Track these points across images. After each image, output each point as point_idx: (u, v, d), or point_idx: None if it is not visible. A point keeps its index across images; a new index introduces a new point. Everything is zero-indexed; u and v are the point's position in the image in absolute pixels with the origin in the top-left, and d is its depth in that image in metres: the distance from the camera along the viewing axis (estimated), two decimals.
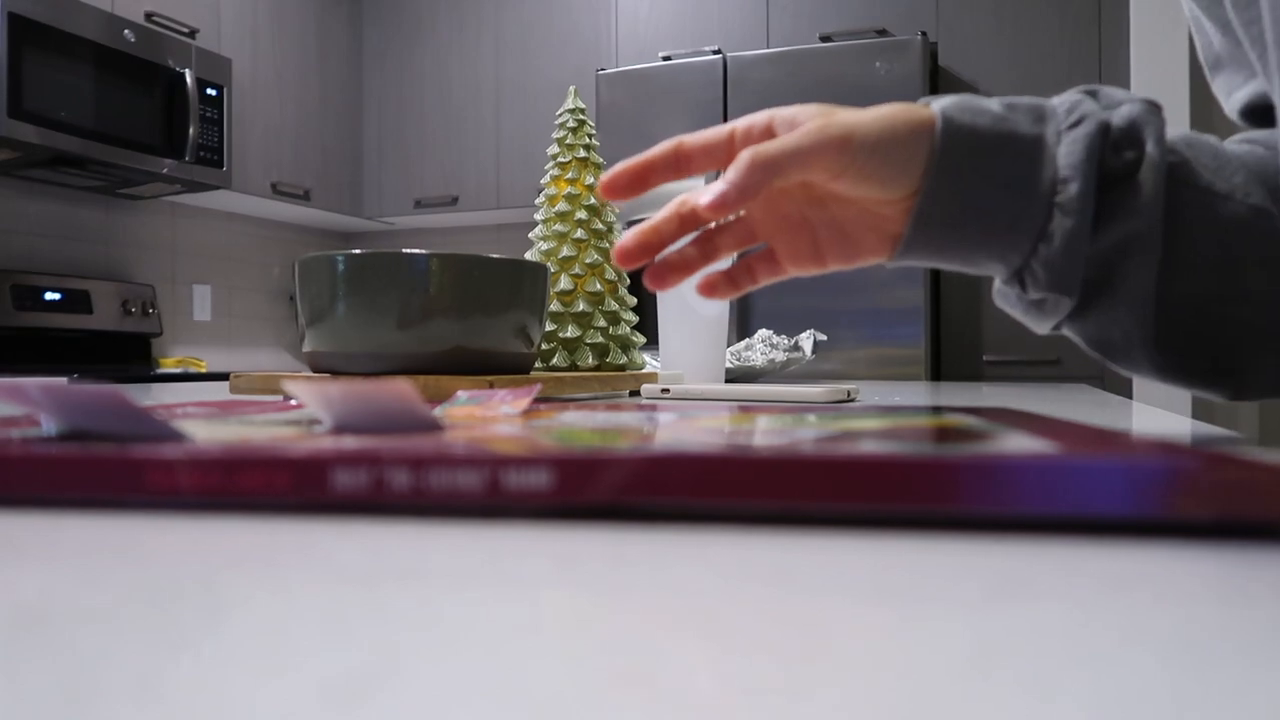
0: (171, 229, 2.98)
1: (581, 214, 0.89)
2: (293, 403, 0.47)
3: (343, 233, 3.72)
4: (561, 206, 0.89)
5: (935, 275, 2.54)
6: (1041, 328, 0.42)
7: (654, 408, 0.45)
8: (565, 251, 0.88)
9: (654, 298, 2.46)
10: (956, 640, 0.12)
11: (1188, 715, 0.09)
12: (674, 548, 0.18)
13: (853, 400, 0.73)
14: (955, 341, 2.59)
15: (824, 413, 0.39)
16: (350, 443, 0.24)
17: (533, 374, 0.75)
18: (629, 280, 0.93)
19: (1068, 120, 0.37)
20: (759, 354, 1.12)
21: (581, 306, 0.87)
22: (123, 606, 0.14)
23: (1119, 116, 0.37)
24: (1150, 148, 0.37)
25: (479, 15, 3.22)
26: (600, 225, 0.90)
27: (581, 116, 0.92)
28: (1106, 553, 0.18)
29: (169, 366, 2.75)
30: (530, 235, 0.92)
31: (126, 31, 2.42)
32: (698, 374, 0.89)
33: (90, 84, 2.33)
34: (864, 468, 0.20)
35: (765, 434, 0.27)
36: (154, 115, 2.49)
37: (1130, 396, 2.37)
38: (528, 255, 0.89)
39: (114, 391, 0.24)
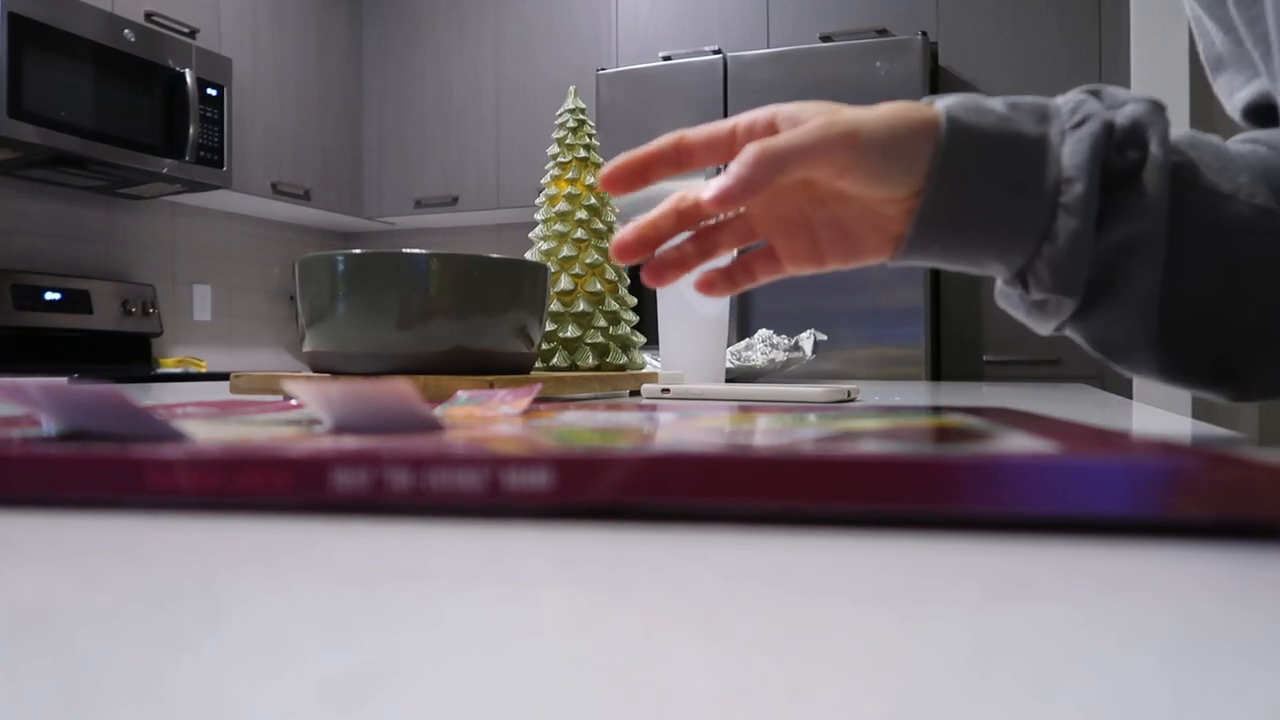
0: (171, 229, 2.98)
1: (582, 214, 0.89)
2: (293, 403, 0.47)
3: (343, 233, 3.72)
4: (562, 206, 0.89)
5: (935, 275, 2.54)
6: (1044, 328, 0.41)
7: (654, 408, 0.45)
8: (565, 251, 0.88)
9: (654, 298, 2.46)
10: (956, 640, 0.12)
11: (1188, 715, 0.09)
12: (674, 548, 0.18)
13: (853, 400, 0.73)
14: (955, 341, 2.59)
15: (824, 413, 0.39)
16: (350, 443, 0.24)
17: (533, 374, 0.75)
18: (629, 280, 0.93)
19: (1071, 120, 0.37)
20: (759, 354, 1.12)
21: (582, 306, 0.87)
22: (123, 606, 0.14)
23: (1123, 116, 0.37)
24: (1154, 148, 0.37)
25: (479, 15, 3.22)
26: (600, 225, 0.90)
27: (581, 116, 0.92)
28: (1106, 553, 0.18)
29: (169, 366, 2.75)
30: (530, 235, 0.92)
31: (126, 31, 2.42)
32: (698, 374, 0.89)
33: (90, 84, 2.33)
34: (864, 468, 0.20)
35: (765, 434, 0.27)
36: (154, 115, 2.50)
37: (1130, 396, 2.37)
38: (528, 255, 0.89)
39: (114, 391, 0.24)
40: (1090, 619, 0.13)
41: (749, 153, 0.36)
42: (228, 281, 3.19)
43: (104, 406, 0.25)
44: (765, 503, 0.20)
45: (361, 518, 0.21)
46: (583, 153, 0.91)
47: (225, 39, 2.84)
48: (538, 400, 0.57)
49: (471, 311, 0.64)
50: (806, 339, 1.14)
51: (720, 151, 0.41)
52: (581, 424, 0.32)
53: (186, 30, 2.70)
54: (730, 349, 1.13)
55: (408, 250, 0.63)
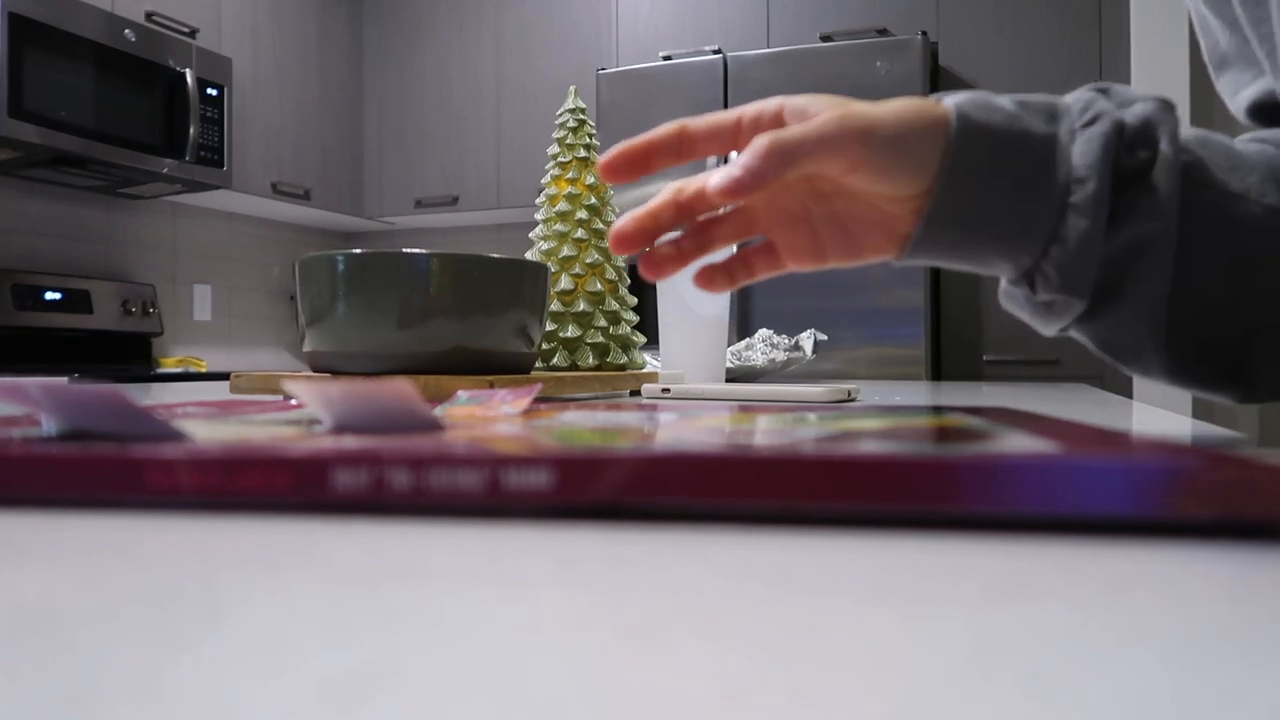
0: (172, 229, 2.98)
1: (582, 214, 0.89)
2: (293, 402, 0.47)
3: (343, 233, 3.72)
4: (562, 206, 0.89)
5: (935, 275, 2.54)
6: (1049, 329, 0.41)
7: (654, 407, 0.45)
8: (566, 251, 0.88)
9: (654, 298, 2.46)
10: (956, 640, 0.12)
11: (1188, 715, 0.09)
12: (674, 548, 0.18)
13: (853, 400, 0.73)
14: (955, 341, 2.59)
15: (824, 412, 0.39)
16: (350, 443, 0.24)
17: (533, 374, 0.75)
18: (630, 280, 0.93)
19: (1081, 119, 0.37)
20: (759, 354, 1.12)
21: (582, 306, 0.87)
22: (123, 606, 0.14)
23: (1133, 115, 0.37)
24: (1164, 147, 0.36)
25: (479, 15, 3.22)
26: (601, 225, 0.90)
27: (582, 116, 0.92)
28: (1106, 553, 0.18)
29: (169, 366, 2.75)
30: (531, 235, 0.92)
31: (127, 31, 2.43)
32: (698, 374, 0.89)
33: (91, 84, 2.33)
34: (864, 468, 0.20)
35: (765, 434, 0.27)
36: (154, 115, 2.50)
37: (1130, 396, 2.37)
38: (528, 255, 0.89)
39: (114, 391, 0.24)
40: (1090, 619, 0.13)
41: (759, 144, 0.35)
42: (228, 281, 3.19)
43: (104, 406, 0.25)
44: (765, 503, 0.20)
45: (361, 518, 0.21)
46: (583, 153, 0.91)
47: (225, 39, 2.84)
48: (538, 400, 0.57)
49: (472, 311, 0.64)
50: (806, 339, 1.14)
51: (724, 142, 0.40)
52: (582, 424, 0.32)
53: (187, 30, 2.70)
54: (730, 349, 1.13)
55: (408, 250, 0.63)
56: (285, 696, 0.10)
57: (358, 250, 0.63)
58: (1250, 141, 0.41)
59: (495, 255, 0.65)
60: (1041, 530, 0.20)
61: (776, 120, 0.39)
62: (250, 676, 0.11)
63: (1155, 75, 2.26)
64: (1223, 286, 0.37)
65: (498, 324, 0.65)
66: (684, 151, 0.40)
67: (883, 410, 0.40)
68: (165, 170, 2.52)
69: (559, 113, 0.92)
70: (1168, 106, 0.37)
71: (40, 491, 0.22)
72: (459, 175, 3.25)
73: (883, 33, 2.61)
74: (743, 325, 2.51)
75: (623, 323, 0.90)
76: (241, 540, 0.19)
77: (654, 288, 2.43)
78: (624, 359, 0.89)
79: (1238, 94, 0.48)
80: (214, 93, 2.66)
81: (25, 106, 2.17)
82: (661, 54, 2.82)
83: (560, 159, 0.91)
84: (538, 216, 0.91)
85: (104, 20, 2.37)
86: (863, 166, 0.36)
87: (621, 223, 0.39)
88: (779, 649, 0.12)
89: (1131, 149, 0.36)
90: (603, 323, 0.87)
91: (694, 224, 0.42)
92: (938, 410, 0.39)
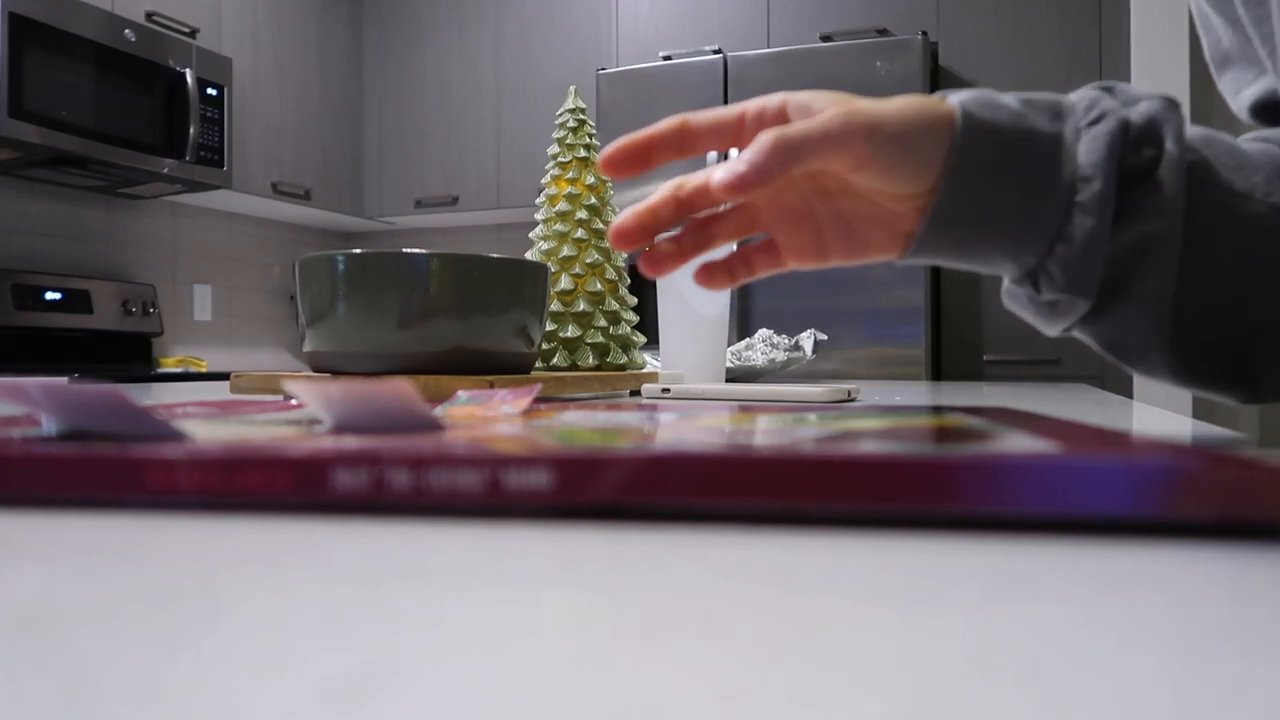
0: (172, 229, 2.98)
1: (582, 214, 0.89)
2: (293, 402, 0.47)
3: (343, 233, 3.72)
4: (562, 206, 0.89)
5: (935, 275, 2.54)
6: (1052, 329, 0.40)
7: (654, 407, 0.45)
8: (566, 251, 0.88)
9: (654, 298, 2.46)
10: (956, 640, 0.12)
11: (1188, 715, 0.09)
12: (674, 548, 0.18)
13: (853, 400, 0.73)
14: (955, 341, 2.59)
15: (824, 412, 0.39)
16: (350, 443, 0.24)
17: (533, 374, 0.75)
18: (630, 280, 0.93)
19: (1087, 117, 0.36)
20: (759, 354, 1.12)
21: (582, 306, 0.87)
22: (123, 606, 0.14)
23: (1138, 113, 0.36)
24: (1170, 145, 0.36)
25: (479, 15, 3.22)
26: (601, 225, 0.90)
27: (582, 116, 0.92)
28: (1106, 553, 0.18)
29: (169, 366, 2.75)
30: (531, 235, 0.92)
31: (127, 31, 2.43)
32: (698, 374, 0.89)
33: (91, 84, 2.33)
34: (864, 468, 0.20)
35: (765, 434, 0.27)
36: (154, 115, 2.50)
37: (1130, 396, 2.37)
38: (528, 255, 0.89)
39: (114, 391, 0.24)
40: (1090, 619, 0.13)
41: (765, 140, 0.35)
42: (228, 281, 3.19)
43: (104, 406, 0.25)
44: (765, 503, 0.20)
45: (361, 518, 0.21)
46: (583, 153, 0.91)
47: (225, 39, 2.84)
48: (538, 400, 0.57)
49: (472, 311, 0.64)
50: (807, 339, 1.14)
51: (727, 137, 0.39)
52: (582, 424, 0.32)
53: (187, 30, 2.70)
54: (730, 349, 1.13)
55: (408, 250, 0.63)
56: (285, 696, 0.10)
57: (358, 250, 0.63)
58: (1254, 141, 0.41)
59: (495, 255, 0.65)
60: (1041, 530, 0.20)
61: (780, 116, 0.39)
62: (250, 676, 0.11)
63: (1155, 75, 2.26)
64: (1227, 286, 0.37)
65: (498, 324, 0.65)
66: (686, 146, 0.39)
67: (883, 410, 0.40)
68: (165, 170, 2.52)
69: (559, 113, 0.92)
70: (1173, 105, 0.37)
71: (40, 491, 0.22)
72: (459, 175, 3.25)
73: (883, 33, 2.61)
74: (743, 325, 2.51)
75: (623, 323, 0.90)
76: (241, 540, 0.19)
77: (654, 288, 2.43)
78: (624, 359, 0.89)
79: (1240, 93, 0.48)
80: (214, 93, 2.66)
81: (25, 106, 2.17)
82: (661, 54, 2.82)
83: (560, 159, 0.91)
84: (538, 216, 0.91)
85: (104, 20, 2.37)
86: (867, 164, 0.36)
87: (622, 218, 0.39)
88: (779, 649, 0.12)
89: (1137, 147, 0.36)
90: (603, 323, 0.87)
91: (694, 221, 0.42)
92: (938, 410, 0.39)
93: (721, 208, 0.42)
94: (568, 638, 0.12)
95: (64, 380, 0.42)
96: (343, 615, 0.13)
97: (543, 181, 0.91)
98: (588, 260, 0.88)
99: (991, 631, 0.13)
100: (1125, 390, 2.43)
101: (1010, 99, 0.37)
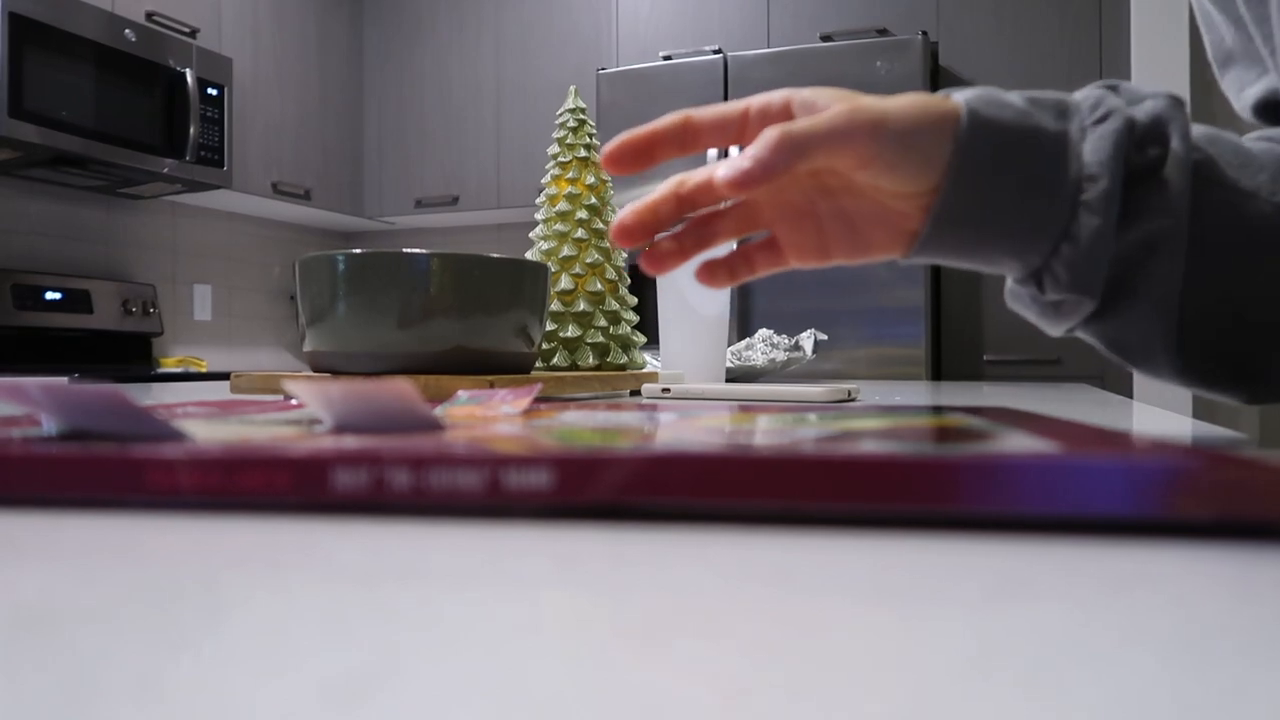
0: (172, 229, 2.98)
1: (582, 214, 0.89)
2: (293, 402, 0.47)
3: (343, 232, 3.72)
4: (562, 206, 0.89)
5: (936, 274, 2.54)
6: (1056, 330, 0.40)
7: (654, 407, 0.45)
8: (566, 251, 0.88)
9: (655, 297, 2.46)
10: (956, 640, 0.12)
11: (1188, 715, 0.09)
12: (674, 548, 0.18)
13: (853, 400, 0.73)
14: (955, 341, 2.59)
15: (824, 412, 0.39)
16: (350, 442, 0.24)
17: (533, 374, 0.75)
18: (630, 280, 0.93)
19: (1092, 116, 0.36)
20: (759, 353, 1.12)
21: (582, 306, 0.87)
22: (123, 606, 0.14)
23: (1143, 112, 0.36)
24: (1175, 144, 0.36)
25: (479, 15, 3.22)
26: (601, 225, 0.90)
27: (582, 116, 0.92)
28: (1106, 553, 0.18)
29: (169, 366, 2.75)
30: (531, 235, 0.92)
31: (127, 31, 2.43)
32: (698, 373, 0.89)
33: (91, 84, 2.33)
34: (864, 468, 0.20)
35: (765, 434, 0.27)
36: (155, 115, 2.50)
37: (1130, 396, 2.37)
38: (528, 255, 0.89)
39: (114, 391, 0.24)
40: (1090, 619, 0.13)
41: (770, 136, 0.34)
42: (228, 281, 3.19)
43: (104, 406, 0.25)
44: (765, 503, 0.20)
45: (361, 518, 0.21)
46: (583, 153, 0.91)
47: (226, 39, 2.84)
48: (538, 400, 0.57)
49: (472, 311, 0.64)
50: (807, 339, 1.14)
51: (730, 134, 0.39)
52: (582, 424, 0.32)
53: (187, 30, 2.70)
54: (730, 349, 1.13)
55: (408, 250, 0.63)
56: (285, 696, 0.10)
57: (358, 250, 0.63)
58: (1258, 140, 0.41)
59: (495, 255, 0.65)
60: (1041, 530, 0.20)
61: (784, 113, 0.38)
62: (250, 676, 0.11)
63: (1156, 75, 2.26)
64: (1233, 285, 0.37)
65: (498, 324, 0.65)
66: (689, 142, 0.39)
67: (883, 410, 0.40)
68: (165, 170, 2.52)
69: (559, 113, 0.92)
70: (1178, 103, 0.37)
71: (40, 491, 0.22)
72: (459, 175, 3.25)
73: (883, 33, 2.61)
74: (743, 325, 2.51)
75: (623, 322, 0.90)
76: (241, 540, 0.19)
77: (654, 288, 2.43)
78: (624, 359, 0.89)
79: (1243, 91, 0.48)
80: (214, 93, 2.66)
81: (25, 106, 2.17)
82: (661, 54, 2.82)
83: (560, 159, 0.91)
84: (538, 216, 0.91)
85: (104, 20, 2.37)
86: (872, 161, 0.35)
87: (623, 215, 0.39)
88: (779, 649, 0.12)
89: (1142, 146, 0.36)
90: (603, 322, 0.87)
91: (695, 218, 0.42)
92: (938, 410, 0.39)
93: (723, 205, 0.41)
94: (568, 638, 0.12)
95: (64, 380, 0.42)
96: (343, 615, 0.13)
97: (543, 181, 0.91)
98: (588, 260, 0.88)
99: (991, 631, 0.13)
100: (1125, 390, 2.43)
101: (1015, 97, 0.37)
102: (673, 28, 2.92)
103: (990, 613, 0.14)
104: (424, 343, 0.63)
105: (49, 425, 0.28)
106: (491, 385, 0.60)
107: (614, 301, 0.89)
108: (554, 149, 0.92)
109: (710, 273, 0.42)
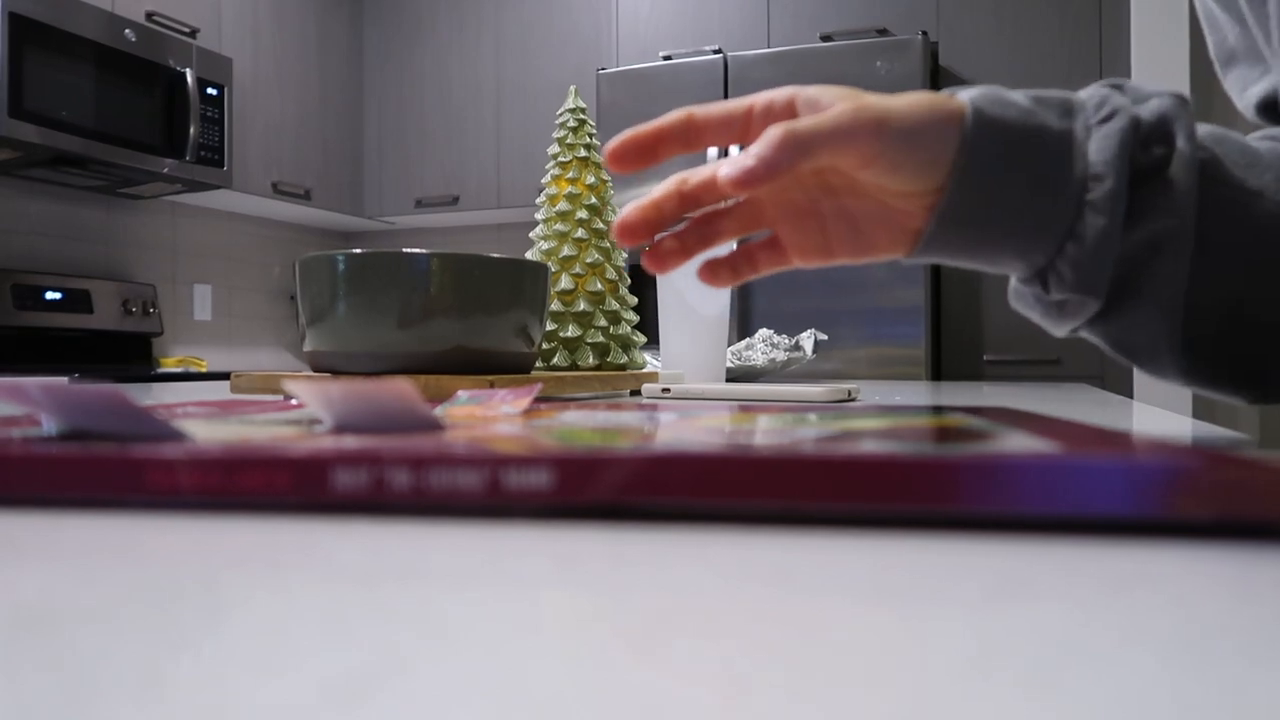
0: (172, 229, 2.98)
1: (582, 213, 0.89)
2: (293, 402, 0.47)
3: (343, 232, 3.72)
4: (562, 206, 0.89)
5: (936, 274, 2.54)
6: (1060, 330, 0.40)
7: (655, 407, 0.45)
8: (566, 251, 0.88)
9: (655, 297, 2.46)
10: (956, 640, 0.12)
11: (1188, 715, 0.09)
12: (674, 548, 0.18)
13: (853, 400, 0.73)
14: (955, 341, 2.59)
15: (824, 412, 0.39)
16: (350, 442, 0.24)
17: (533, 373, 0.75)
18: (630, 280, 0.93)
19: (1097, 115, 0.36)
20: (760, 353, 1.12)
21: (582, 306, 0.87)
22: (123, 606, 0.14)
23: (1148, 111, 0.36)
24: (1181, 143, 0.35)
25: (479, 15, 3.22)
26: (601, 225, 0.90)
27: (582, 116, 0.92)
28: (1106, 553, 0.18)
29: (169, 366, 2.75)
30: (531, 235, 0.92)
31: (127, 31, 2.43)
32: (698, 373, 0.89)
33: (91, 84, 2.33)
34: (864, 468, 0.20)
35: (765, 434, 0.27)
36: (155, 115, 2.50)
37: (1130, 396, 2.37)
38: (528, 255, 0.89)
39: (114, 391, 0.24)
40: (1090, 619, 0.13)
41: (774, 134, 0.34)
42: (228, 281, 3.19)
43: (104, 406, 0.25)
44: (765, 503, 0.20)
45: (361, 518, 0.21)
46: (583, 152, 0.91)
47: (226, 39, 2.84)
48: (538, 400, 0.57)
49: (472, 311, 0.64)
50: (807, 339, 1.14)
51: (734, 132, 0.39)
52: (582, 424, 0.32)
53: (187, 30, 2.70)
54: (730, 349, 1.13)
55: (408, 250, 0.63)
56: (285, 696, 0.10)
57: (358, 250, 0.63)
58: (1262, 139, 0.41)
59: (495, 255, 0.65)
60: (1041, 530, 0.20)
61: (788, 111, 0.38)
62: (250, 676, 0.11)
63: (1155, 75, 2.26)
64: (1238, 285, 0.37)
65: (498, 324, 0.65)
66: (692, 140, 0.39)
67: (883, 410, 0.40)
68: (165, 170, 2.52)
69: (559, 113, 0.92)
70: (1183, 102, 0.36)
71: (40, 491, 0.22)
72: (459, 175, 3.25)
73: (883, 33, 2.61)
74: (743, 325, 2.51)
75: (623, 322, 0.90)
76: (241, 540, 0.19)
77: (654, 288, 2.43)
78: (624, 359, 0.89)
79: (1246, 90, 0.47)
80: (214, 92, 2.66)
81: (25, 106, 2.17)
82: (661, 54, 2.82)
83: (560, 159, 0.91)
84: (538, 216, 0.91)
85: (104, 20, 2.37)
86: (876, 160, 0.35)
87: (625, 213, 0.39)
88: (779, 649, 0.12)
89: (1147, 145, 0.35)
90: (603, 322, 0.87)
91: (698, 217, 0.42)
92: (938, 410, 0.39)
93: (725, 204, 0.41)
94: (568, 638, 0.12)
95: (64, 380, 0.42)
96: (343, 615, 0.13)
97: (543, 181, 0.91)
98: (588, 260, 0.88)
99: (991, 631, 0.13)
100: (1125, 390, 2.43)
101: (1020, 96, 0.36)
102: (673, 28, 2.92)
103: (990, 613, 0.14)
104: (424, 343, 0.63)
105: (49, 425, 0.28)
106: (491, 385, 0.60)
107: (614, 301, 0.89)
108: (554, 149, 0.92)
109: (712, 271, 0.42)
